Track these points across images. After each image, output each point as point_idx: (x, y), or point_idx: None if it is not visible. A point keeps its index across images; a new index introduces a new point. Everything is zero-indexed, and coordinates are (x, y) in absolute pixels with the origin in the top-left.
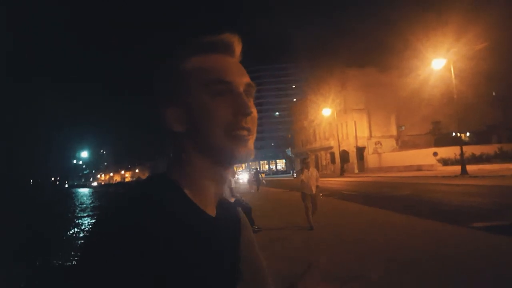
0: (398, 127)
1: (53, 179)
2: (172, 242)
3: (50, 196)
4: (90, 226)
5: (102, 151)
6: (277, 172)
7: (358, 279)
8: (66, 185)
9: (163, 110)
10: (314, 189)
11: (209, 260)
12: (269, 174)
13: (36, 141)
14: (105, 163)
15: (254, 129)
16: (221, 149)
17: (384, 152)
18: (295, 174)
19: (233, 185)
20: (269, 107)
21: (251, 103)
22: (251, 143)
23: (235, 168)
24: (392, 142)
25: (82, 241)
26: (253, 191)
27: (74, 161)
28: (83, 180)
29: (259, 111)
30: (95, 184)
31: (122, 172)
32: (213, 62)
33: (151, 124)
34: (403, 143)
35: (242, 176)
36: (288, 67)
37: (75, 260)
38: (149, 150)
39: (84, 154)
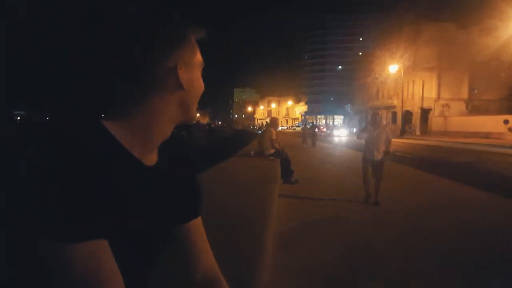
0: (471, 90)
1: None
2: (93, 181)
3: None
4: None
5: None
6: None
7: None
8: None
9: (180, 66)
10: (378, 155)
11: (127, 208)
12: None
13: None
14: None
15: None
16: (188, 115)
17: (451, 116)
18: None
19: (274, 136)
20: (332, 60)
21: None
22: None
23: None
24: (461, 106)
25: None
26: (305, 146)
27: None
28: None
29: (321, 63)
30: None
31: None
32: (197, 48)
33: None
34: (474, 108)
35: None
36: (356, 18)
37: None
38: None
39: None
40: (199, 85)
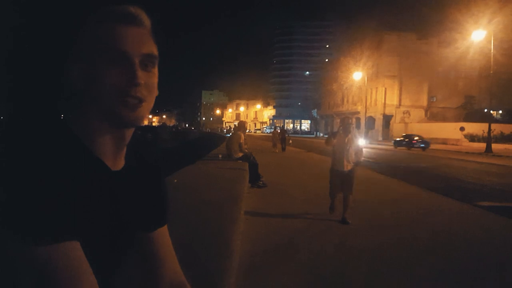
0: (429, 97)
1: None
2: (59, 183)
3: None
4: None
5: None
6: (301, 132)
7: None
8: None
9: (67, 65)
10: (348, 165)
11: (93, 210)
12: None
13: None
14: None
15: (150, 97)
16: (110, 113)
17: (411, 122)
18: (320, 134)
19: (242, 140)
20: (299, 65)
21: (151, 72)
22: (142, 110)
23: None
24: (421, 113)
25: None
26: (277, 151)
27: None
28: None
29: (289, 68)
30: None
31: (150, 116)
32: (113, 31)
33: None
34: (432, 115)
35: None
36: (323, 25)
37: None
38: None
39: None
40: (104, 75)
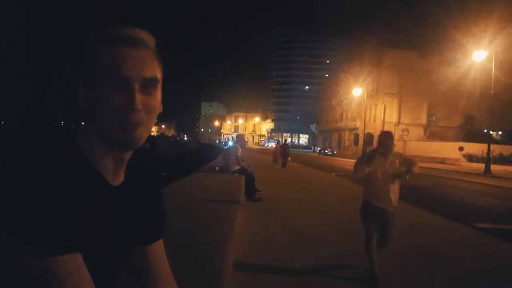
0: (429, 116)
1: None
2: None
3: None
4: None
5: None
6: (299, 146)
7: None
8: None
9: (74, 84)
10: (394, 201)
11: (94, 221)
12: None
13: None
14: None
15: (148, 120)
16: (109, 134)
17: (410, 140)
18: (317, 149)
19: (239, 153)
20: (299, 80)
21: (152, 95)
22: (139, 132)
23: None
24: (419, 131)
25: None
26: (278, 167)
27: None
28: None
29: (289, 83)
30: None
31: None
32: (115, 54)
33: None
34: (431, 134)
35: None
36: (324, 40)
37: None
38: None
39: None
40: (105, 99)
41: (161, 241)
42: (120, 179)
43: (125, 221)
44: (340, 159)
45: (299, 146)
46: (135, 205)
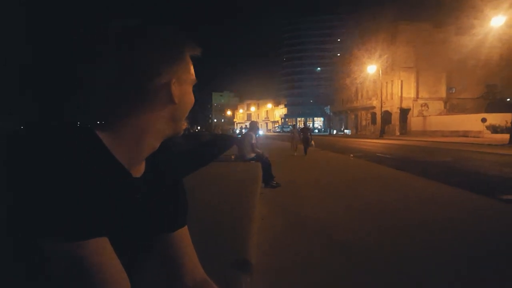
0: (448, 89)
1: None
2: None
3: None
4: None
5: None
6: (314, 130)
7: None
8: None
9: (173, 82)
10: None
11: (116, 215)
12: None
13: None
14: None
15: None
16: (158, 133)
17: (429, 115)
18: (334, 132)
19: (254, 140)
20: (310, 62)
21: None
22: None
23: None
24: (439, 105)
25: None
26: (295, 154)
27: None
28: None
29: (299, 65)
30: None
31: None
32: (189, 65)
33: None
34: (452, 107)
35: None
36: (333, 18)
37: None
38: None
39: None
40: (190, 100)
41: (185, 228)
42: (141, 170)
43: (148, 209)
44: (358, 140)
45: (313, 129)
46: (156, 195)
